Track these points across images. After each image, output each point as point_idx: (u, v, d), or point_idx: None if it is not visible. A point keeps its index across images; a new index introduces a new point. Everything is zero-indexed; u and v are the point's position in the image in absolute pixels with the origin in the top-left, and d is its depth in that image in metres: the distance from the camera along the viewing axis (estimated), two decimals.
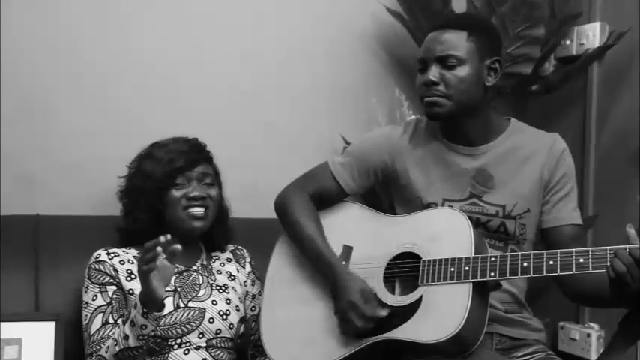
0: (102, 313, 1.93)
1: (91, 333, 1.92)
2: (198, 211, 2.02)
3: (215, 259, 2.14)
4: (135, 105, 2.45)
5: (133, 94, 2.45)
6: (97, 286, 1.96)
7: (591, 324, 2.56)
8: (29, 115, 2.33)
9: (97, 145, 2.39)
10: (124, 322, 1.83)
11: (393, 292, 1.82)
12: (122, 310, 1.94)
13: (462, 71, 1.82)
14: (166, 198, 2.02)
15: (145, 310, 1.77)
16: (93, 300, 1.95)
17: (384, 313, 1.77)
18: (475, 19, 2.03)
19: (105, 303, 1.94)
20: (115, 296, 1.95)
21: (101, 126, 2.40)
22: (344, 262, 1.91)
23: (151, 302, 1.77)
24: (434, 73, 1.82)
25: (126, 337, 1.80)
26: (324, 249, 1.89)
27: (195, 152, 2.07)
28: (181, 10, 2.51)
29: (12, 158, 2.29)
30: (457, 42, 1.82)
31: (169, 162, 2.03)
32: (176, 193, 2.02)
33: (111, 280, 1.96)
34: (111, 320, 1.92)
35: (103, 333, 1.91)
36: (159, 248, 1.69)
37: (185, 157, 2.04)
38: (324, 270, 1.89)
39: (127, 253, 2.03)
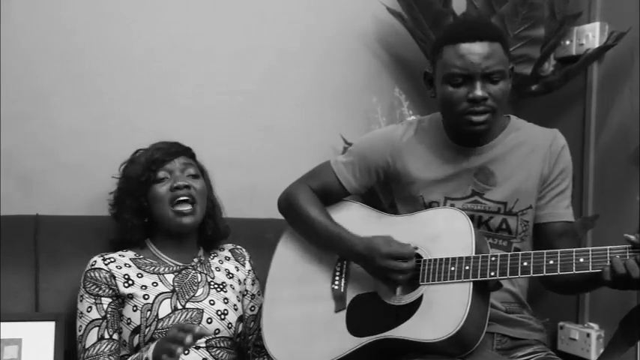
0: (97, 328, 1.91)
1: (86, 347, 1.91)
2: (185, 207, 1.98)
3: (214, 256, 2.13)
4: (134, 105, 2.45)
5: (132, 94, 2.45)
6: (92, 297, 1.93)
7: (591, 324, 2.56)
8: (29, 115, 2.33)
9: (97, 145, 2.39)
10: None
11: (394, 291, 1.82)
12: (117, 325, 1.93)
13: (504, 84, 1.80)
14: (151, 195, 2.00)
15: None
16: (88, 312, 1.92)
17: (415, 249, 1.77)
18: (498, 28, 2.00)
19: (100, 317, 1.92)
20: (110, 309, 1.93)
21: (101, 126, 2.40)
22: (345, 262, 1.92)
23: None
24: (482, 89, 1.77)
25: None
26: (334, 226, 1.90)
27: (174, 147, 2.06)
28: (181, 10, 2.50)
29: (12, 158, 2.29)
30: (500, 56, 1.78)
31: (149, 158, 2.03)
32: (160, 189, 1.99)
33: (106, 292, 1.93)
34: (106, 336, 1.91)
35: (99, 349, 1.90)
36: (188, 339, 1.61)
37: (163, 151, 2.03)
38: (340, 246, 1.89)
39: (124, 257, 2.01)
